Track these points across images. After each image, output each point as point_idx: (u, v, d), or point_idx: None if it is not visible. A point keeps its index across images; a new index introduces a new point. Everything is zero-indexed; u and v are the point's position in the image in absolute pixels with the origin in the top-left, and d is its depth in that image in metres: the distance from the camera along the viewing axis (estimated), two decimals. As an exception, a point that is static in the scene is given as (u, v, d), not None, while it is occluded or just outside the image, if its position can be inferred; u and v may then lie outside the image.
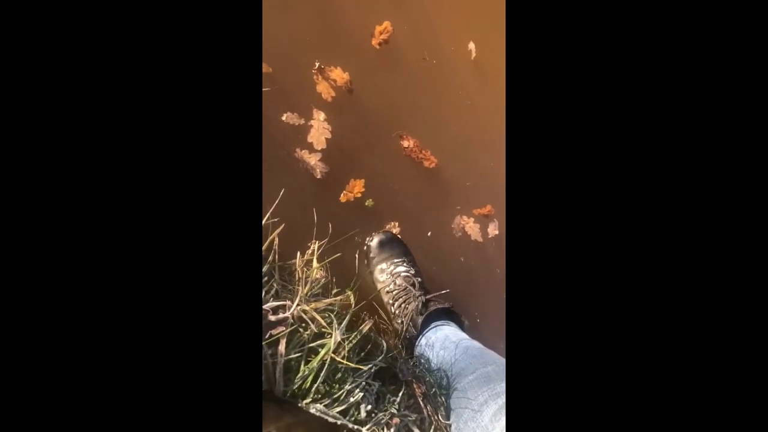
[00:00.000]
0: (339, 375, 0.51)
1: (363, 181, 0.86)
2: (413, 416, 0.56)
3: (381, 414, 0.53)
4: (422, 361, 0.69)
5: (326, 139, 0.84)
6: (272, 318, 0.47)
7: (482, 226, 0.99)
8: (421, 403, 0.58)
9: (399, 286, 0.81)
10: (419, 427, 0.57)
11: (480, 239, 0.98)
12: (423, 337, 0.76)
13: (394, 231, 0.89)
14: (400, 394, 0.57)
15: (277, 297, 0.52)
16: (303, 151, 0.82)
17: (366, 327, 0.55)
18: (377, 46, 0.89)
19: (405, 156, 0.92)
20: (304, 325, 0.51)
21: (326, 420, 0.47)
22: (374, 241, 0.86)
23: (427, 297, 0.80)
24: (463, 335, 0.75)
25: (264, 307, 0.48)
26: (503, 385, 0.55)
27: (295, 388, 0.47)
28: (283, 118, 0.81)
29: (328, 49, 0.86)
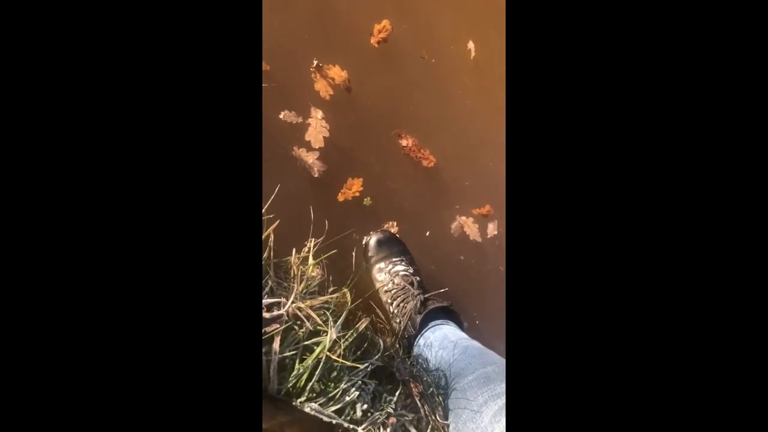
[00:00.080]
0: (334, 373, 0.51)
1: (361, 179, 0.86)
2: (410, 416, 0.56)
3: (377, 413, 0.52)
4: (420, 360, 0.69)
5: (324, 137, 0.83)
6: (267, 315, 0.47)
7: (481, 226, 0.98)
8: (418, 402, 0.58)
9: (397, 285, 0.81)
10: (416, 427, 0.56)
11: (479, 239, 0.97)
12: (421, 337, 0.75)
13: (393, 230, 0.89)
14: (397, 394, 0.56)
15: (272, 294, 0.52)
16: (301, 149, 0.82)
17: (362, 325, 0.55)
18: (376, 45, 0.89)
19: (403, 155, 0.91)
20: (299, 322, 0.50)
21: (321, 419, 0.46)
22: (372, 240, 0.85)
23: (426, 296, 0.79)
24: (462, 334, 0.75)
25: (258, 303, 0.47)
26: (503, 385, 0.55)
27: (289, 386, 0.47)
28: (281, 116, 0.81)
29: (327, 47, 0.85)
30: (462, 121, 0.98)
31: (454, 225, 0.95)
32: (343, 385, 0.50)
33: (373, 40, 0.89)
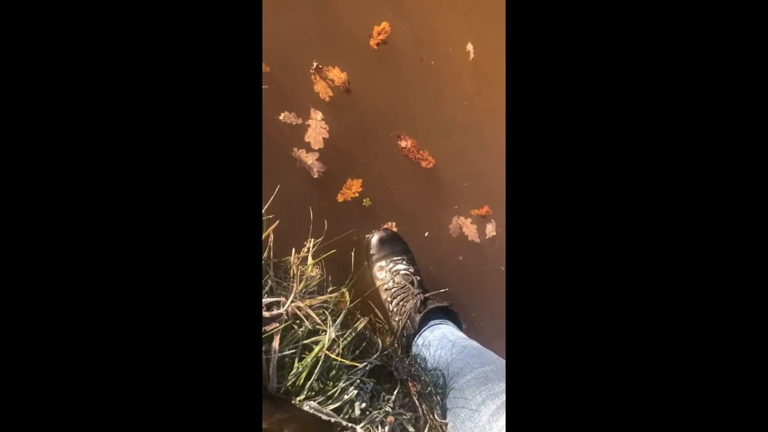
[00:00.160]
0: (333, 372, 0.51)
1: (360, 180, 0.86)
2: (408, 415, 0.56)
3: (375, 412, 0.53)
4: (418, 359, 0.69)
5: (324, 138, 0.84)
6: (266, 314, 0.47)
7: (480, 227, 0.98)
8: (416, 401, 0.58)
9: (398, 283, 0.81)
10: (414, 426, 0.56)
11: (477, 240, 0.98)
12: (420, 336, 0.76)
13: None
14: (395, 393, 0.56)
15: (271, 293, 0.52)
16: (300, 150, 0.82)
17: (361, 324, 0.55)
18: (375, 47, 0.89)
19: (402, 156, 0.92)
20: (298, 321, 0.51)
21: (320, 417, 0.47)
22: (374, 239, 0.85)
23: (426, 295, 0.80)
24: (461, 334, 0.75)
25: (258, 303, 0.48)
26: (501, 385, 0.55)
27: (288, 384, 0.47)
28: (281, 118, 0.81)
29: (326, 49, 0.86)
30: (461, 122, 0.99)
31: (452, 226, 0.96)
32: (341, 384, 0.50)
33: (372, 42, 0.89)
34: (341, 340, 0.52)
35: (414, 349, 0.75)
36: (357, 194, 0.86)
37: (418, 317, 0.76)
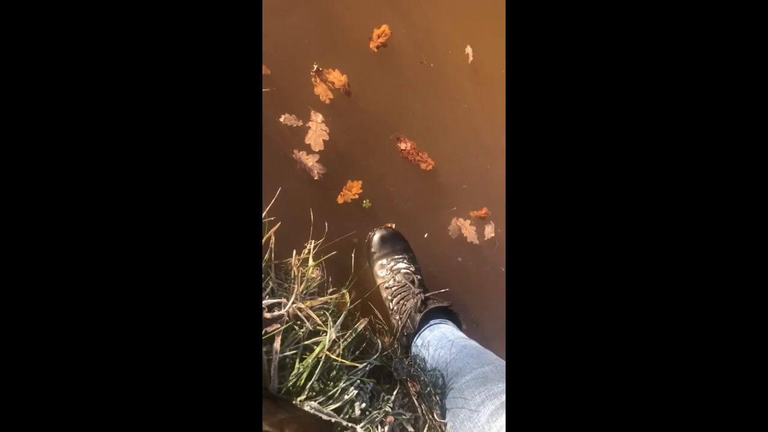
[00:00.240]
0: (334, 373, 0.52)
1: (360, 182, 0.87)
2: (407, 415, 0.57)
3: (375, 412, 0.53)
4: (418, 359, 0.69)
5: (324, 140, 0.84)
6: (268, 315, 0.47)
7: (479, 228, 0.99)
8: (415, 401, 0.59)
9: (398, 282, 0.81)
10: (413, 426, 0.57)
11: (476, 241, 0.98)
12: (420, 335, 0.76)
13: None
14: (395, 393, 0.57)
15: (272, 295, 0.53)
16: (301, 152, 0.83)
17: (361, 325, 0.56)
18: (375, 50, 0.90)
19: (402, 158, 0.92)
20: (299, 322, 0.51)
21: (320, 417, 0.47)
22: (376, 237, 0.86)
23: (426, 295, 0.80)
24: (460, 334, 0.75)
25: (259, 304, 0.48)
26: (501, 385, 0.55)
27: (289, 385, 0.48)
28: (281, 120, 0.82)
29: (327, 52, 0.86)
30: (460, 124, 0.99)
31: (451, 227, 0.96)
32: (342, 384, 0.51)
33: (372, 45, 0.90)
34: (342, 340, 0.53)
35: (413, 349, 0.75)
36: (357, 196, 0.87)
37: (418, 317, 0.76)
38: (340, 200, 0.86)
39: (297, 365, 0.49)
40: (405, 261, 0.84)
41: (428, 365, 0.68)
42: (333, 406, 0.49)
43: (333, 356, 0.50)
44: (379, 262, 0.84)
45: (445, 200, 0.97)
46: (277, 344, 0.47)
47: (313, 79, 0.85)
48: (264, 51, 0.80)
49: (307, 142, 0.83)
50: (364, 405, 0.53)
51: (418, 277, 0.83)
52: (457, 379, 0.61)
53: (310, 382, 0.49)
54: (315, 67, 0.84)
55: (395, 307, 0.80)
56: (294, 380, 0.48)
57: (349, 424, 0.49)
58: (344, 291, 0.59)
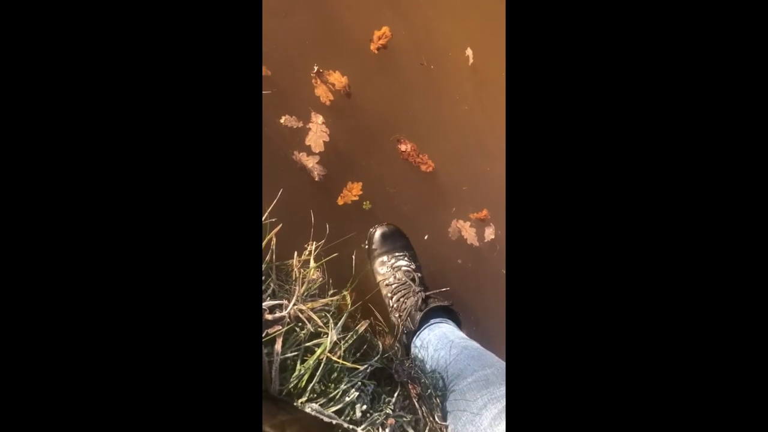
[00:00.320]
0: (335, 375, 0.52)
1: (360, 183, 0.86)
2: (408, 417, 0.57)
3: (376, 414, 0.53)
4: (418, 360, 0.69)
5: (324, 142, 0.84)
6: (269, 317, 0.47)
7: (479, 230, 0.99)
8: (416, 404, 0.59)
9: (399, 280, 0.81)
10: (414, 428, 0.57)
11: (476, 243, 0.98)
12: (420, 334, 0.76)
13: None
14: (396, 395, 0.57)
15: (274, 296, 0.53)
16: (301, 153, 0.83)
17: (362, 327, 0.55)
18: (376, 51, 0.90)
19: (402, 160, 0.93)
20: (300, 324, 0.51)
21: (322, 419, 0.47)
22: (377, 233, 0.85)
23: (427, 293, 0.79)
24: (461, 334, 0.75)
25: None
26: (502, 389, 0.55)
27: (290, 386, 0.48)
28: (282, 121, 0.82)
29: (327, 53, 0.86)
30: (460, 126, 0.99)
31: (451, 229, 0.96)
32: (343, 386, 0.51)
33: (372, 47, 0.90)
34: (342, 342, 0.52)
35: (413, 349, 0.75)
36: (357, 197, 0.87)
37: (418, 315, 0.76)
38: (340, 202, 0.86)
39: (298, 367, 0.49)
40: (406, 258, 0.84)
41: (428, 366, 0.68)
42: (334, 408, 0.49)
43: (334, 358, 0.50)
44: (380, 259, 0.84)
45: (445, 202, 0.97)
46: (278, 346, 0.47)
47: (313, 81, 0.85)
48: (265, 52, 0.80)
49: (307, 143, 0.83)
50: (365, 407, 0.52)
51: (419, 275, 0.82)
52: (458, 382, 0.61)
53: (311, 384, 0.48)
54: (315, 68, 0.84)
55: (395, 305, 0.79)
56: (295, 382, 0.48)
57: (351, 426, 0.49)
58: (345, 293, 0.59)
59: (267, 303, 0.49)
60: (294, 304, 0.50)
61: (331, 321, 0.52)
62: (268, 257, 0.56)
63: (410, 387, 0.60)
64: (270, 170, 0.79)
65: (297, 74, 0.84)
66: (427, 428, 0.58)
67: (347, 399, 0.51)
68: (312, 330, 0.51)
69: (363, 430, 0.50)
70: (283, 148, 0.82)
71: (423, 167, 0.94)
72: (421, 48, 0.95)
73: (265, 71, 0.80)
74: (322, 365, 0.49)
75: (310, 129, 0.84)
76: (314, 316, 0.51)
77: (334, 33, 0.88)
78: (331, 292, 0.61)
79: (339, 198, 0.86)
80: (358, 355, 0.57)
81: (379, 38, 0.89)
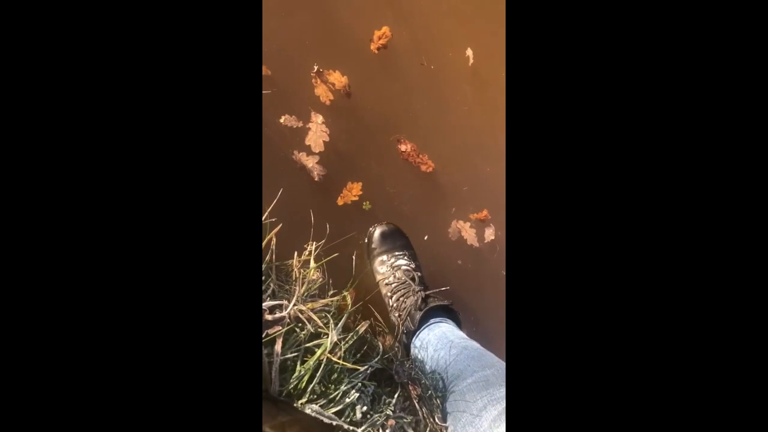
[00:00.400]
0: (335, 376, 0.51)
1: (360, 184, 0.86)
2: (409, 418, 0.56)
3: (376, 415, 0.53)
4: (418, 360, 0.69)
5: (324, 142, 0.84)
6: (269, 317, 0.47)
7: (478, 231, 0.99)
8: (416, 405, 0.58)
9: (398, 279, 0.81)
10: (415, 429, 0.57)
11: (476, 244, 0.98)
12: (420, 333, 0.75)
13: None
14: (396, 396, 0.56)
15: (273, 297, 0.52)
16: (301, 153, 0.83)
17: (362, 328, 0.55)
18: (376, 51, 0.90)
19: (402, 160, 0.92)
20: (300, 325, 0.51)
21: (322, 420, 0.47)
22: (376, 233, 0.85)
23: (427, 293, 0.79)
24: (461, 333, 0.75)
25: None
26: (502, 390, 0.55)
27: (290, 387, 0.47)
28: (282, 121, 0.81)
29: (327, 53, 0.86)
30: (460, 126, 0.99)
31: (451, 229, 0.96)
32: (343, 387, 0.50)
33: (373, 47, 0.90)
34: (343, 343, 0.52)
35: (413, 349, 0.75)
36: (357, 197, 0.86)
37: (418, 315, 0.75)
38: (340, 202, 0.86)
39: (298, 368, 0.48)
40: (405, 258, 0.84)
41: (428, 367, 0.68)
42: (334, 409, 0.49)
43: (334, 359, 0.50)
44: (380, 258, 0.84)
45: (445, 202, 0.97)
46: (278, 346, 0.47)
47: (313, 80, 0.85)
48: (265, 52, 0.80)
49: (307, 143, 0.83)
50: (365, 408, 0.52)
51: (419, 274, 0.82)
52: (458, 382, 0.61)
53: (312, 385, 0.48)
54: (315, 68, 0.84)
55: (395, 304, 0.79)
56: (295, 383, 0.47)
57: (351, 428, 0.48)
58: (345, 294, 0.59)
59: (267, 303, 0.48)
60: (294, 305, 0.50)
61: (331, 321, 0.52)
62: (268, 257, 0.55)
63: (410, 388, 0.60)
64: (270, 170, 0.79)
65: (297, 74, 0.84)
66: (428, 429, 0.58)
67: (347, 400, 0.50)
68: (312, 330, 0.51)
69: (363, 431, 0.50)
70: (283, 148, 0.82)
71: (423, 167, 0.94)
72: (422, 48, 0.95)
73: (266, 71, 0.80)
74: (322, 366, 0.49)
75: (310, 129, 0.84)
76: (314, 317, 0.51)
77: (334, 33, 0.88)
78: (331, 292, 0.61)
79: (339, 198, 0.86)
80: (359, 356, 0.57)
81: (380, 38, 0.89)
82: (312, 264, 0.57)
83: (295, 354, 0.49)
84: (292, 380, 0.47)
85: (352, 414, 0.51)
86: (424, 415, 0.58)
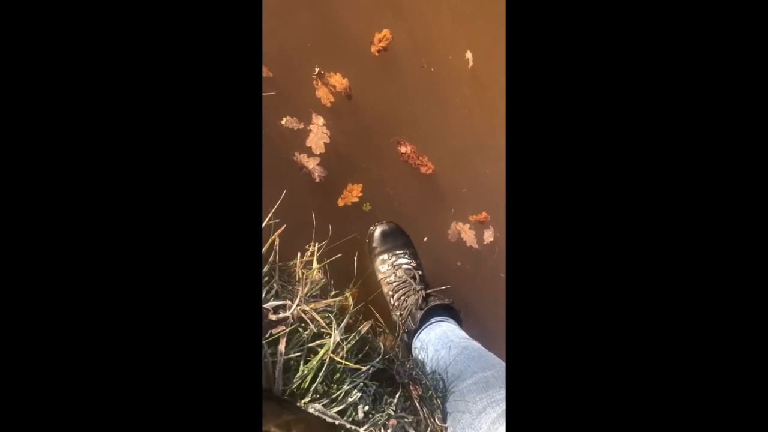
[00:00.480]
0: (337, 375, 0.52)
1: (361, 185, 0.87)
2: (410, 418, 0.57)
3: (378, 415, 0.53)
4: (419, 360, 0.69)
5: (325, 143, 0.85)
6: (273, 317, 0.47)
7: (478, 233, 1.00)
8: (417, 405, 0.59)
9: (399, 278, 0.81)
10: (416, 429, 0.57)
11: (476, 245, 0.99)
12: (421, 333, 0.76)
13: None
14: (397, 396, 0.57)
15: (277, 297, 0.53)
16: (302, 155, 0.83)
17: (364, 328, 0.56)
18: (376, 53, 0.90)
19: (402, 162, 0.93)
20: (303, 325, 0.51)
21: (324, 419, 0.47)
22: (377, 231, 0.86)
23: (428, 292, 0.80)
24: (462, 333, 0.75)
25: (265, 306, 0.48)
26: (502, 392, 0.55)
27: (294, 387, 0.48)
28: (283, 122, 0.82)
29: (328, 55, 0.87)
30: (460, 129, 1.00)
31: (451, 231, 0.97)
32: (345, 387, 0.51)
33: (373, 49, 0.90)
34: (345, 343, 0.53)
35: (414, 346, 0.75)
36: (357, 199, 0.87)
37: (419, 314, 0.76)
38: (340, 203, 0.86)
39: (301, 367, 0.49)
40: (406, 256, 0.84)
41: (429, 367, 0.68)
42: (337, 409, 0.49)
43: (337, 359, 0.50)
44: (381, 257, 0.84)
45: (444, 204, 0.97)
46: (281, 346, 0.47)
47: (314, 82, 0.85)
48: (266, 54, 0.80)
49: (308, 144, 0.84)
50: (367, 408, 0.52)
51: (419, 272, 0.82)
52: (458, 383, 0.61)
53: (314, 385, 0.48)
54: (316, 70, 0.85)
55: (396, 303, 0.79)
56: (298, 382, 0.48)
57: (353, 427, 0.49)
58: (347, 294, 0.59)
59: (271, 303, 0.49)
60: (297, 305, 0.50)
61: (334, 322, 0.52)
62: (271, 258, 0.56)
63: (411, 388, 0.60)
64: (271, 171, 0.80)
65: (298, 76, 0.84)
66: (429, 430, 0.58)
67: (350, 400, 0.51)
68: (315, 331, 0.51)
69: (365, 430, 0.50)
70: (284, 150, 0.82)
71: (423, 169, 0.94)
72: (422, 50, 0.95)
73: (267, 73, 0.80)
74: (325, 366, 0.49)
75: (310, 130, 0.84)
76: (317, 317, 0.52)
77: (335, 35, 0.88)
78: (333, 293, 0.61)
79: (339, 199, 0.86)
80: (360, 356, 0.57)
81: (380, 40, 0.90)
82: (315, 264, 0.58)
83: (299, 354, 0.49)
84: (295, 380, 0.48)
85: (354, 413, 0.51)
86: (425, 415, 0.59)
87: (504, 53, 0.95)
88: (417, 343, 0.75)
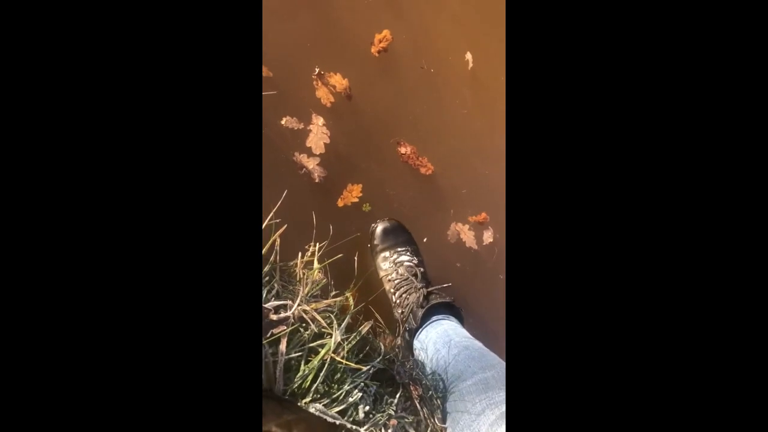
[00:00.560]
0: (338, 375, 0.52)
1: (360, 185, 0.87)
2: (410, 418, 0.57)
3: (379, 415, 0.53)
4: (419, 359, 0.69)
5: (325, 143, 0.85)
6: (274, 317, 0.47)
7: (477, 234, 1.00)
8: (417, 405, 0.59)
9: (401, 275, 0.81)
10: (416, 429, 0.57)
11: (475, 246, 0.99)
12: (422, 331, 0.76)
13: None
14: (397, 396, 0.57)
15: (278, 297, 0.53)
16: (302, 155, 0.83)
17: (365, 328, 0.56)
18: (376, 54, 0.91)
19: (402, 162, 0.93)
20: (304, 325, 0.51)
21: (325, 419, 0.47)
22: (378, 228, 0.86)
23: (429, 290, 0.79)
24: (463, 332, 0.75)
25: (266, 306, 0.48)
26: (502, 394, 0.55)
27: (295, 387, 0.48)
28: (283, 122, 0.82)
29: (328, 56, 0.87)
30: (459, 129, 1.00)
31: (450, 232, 0.97)
32: (346, 387, 0.51)
33: (373, 50, 0.90)
34: (346, 343, 0.53)
35: (415, 345, 0.75)
36: (357, 199, 0.87)
37: (420, 312, 0.75)
38: (340, 203, 0.86)
39: (302, 367, 0.49)
40: (408, 254, 0.84)
41: (429, 367, 0.68)
42: (337, 409, 0.49)
43: (338, 359, 0.50)
44: (382, 255, 0.84)
45: (444, 205, 0.97)
46: (282, 346, 0.47)
47: (314, 83, 0.85)
48: (266, 54, 0.80)
49: (308, 145, 0.84)
50: (367, 408, 0.52)
51: (421, 270, 0.82)
52: (458, 383, 0.61)
53: (315, 385, 0.48)
54: (317, 70, 0.85)
55: (398, 301, 0.79)
56: (299, 382, 0.48)
57: (354, 427, 0.49)
58: (348, 294, 0.59)
59: (272, 303, 0.49)
60: (298, 305, 0.50)
61: (334, 322, 0.52)
62: (272, 258, 0.56)
63: (412, 388, 0.60)
64: (271, 171, 0.80)
65: (298, 76, 0.84)
66: (429, 430, 0.58)
67: (350, 400, 0.51)
68: (316, 330, 0.51)
69: (366, 430, 0.50)
70: (284, 150, 0.82)
71: (422, 170, 0.94)
72: (422, 51, 0.95)
73: (267, 73, 0.80)
74: (326, 366, 0.49)
75: (310, 131, 0.84)
76: (318, 317, 0.52)
77: (335, 35, 0.88)
78: (334, 293, 0.61)
79: (339, 200, 0.86)
80: (361, 356, 0.57)
81: (380, 41, 0.90)
82: (315, 264, 0.58)
83: (299, 354, 0.49)
84: (296, 379, 0.48)
85: (354, 413, 0.51)
86: (425, 415, 0.59)
87: (504, 54, 0.95)
88: (418, 342, 0.75)
